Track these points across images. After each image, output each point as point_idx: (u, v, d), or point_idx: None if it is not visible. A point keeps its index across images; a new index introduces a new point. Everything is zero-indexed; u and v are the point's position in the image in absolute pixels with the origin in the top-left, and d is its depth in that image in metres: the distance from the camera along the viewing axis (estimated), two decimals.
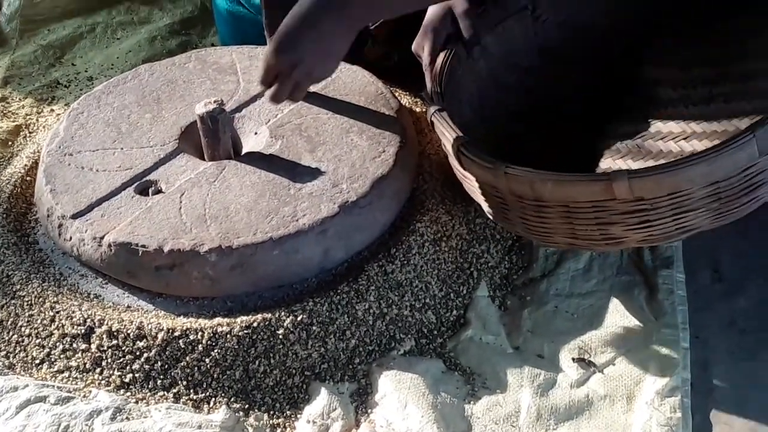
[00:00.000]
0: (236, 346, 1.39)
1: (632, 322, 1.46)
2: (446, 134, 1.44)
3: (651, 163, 1.55)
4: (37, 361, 1.45)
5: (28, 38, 2.39)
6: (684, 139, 1.57)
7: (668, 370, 1.37)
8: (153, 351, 1.40)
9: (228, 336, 1.40)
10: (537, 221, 1.38)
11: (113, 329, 1.42)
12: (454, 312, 1.52)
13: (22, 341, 1.48)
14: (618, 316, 1.47)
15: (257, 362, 1.40)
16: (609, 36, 1.73)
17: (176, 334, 1.40)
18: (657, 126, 1.63)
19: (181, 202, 1.52)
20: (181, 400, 1.39)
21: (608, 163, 1.62)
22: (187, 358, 1.40)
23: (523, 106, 1.73)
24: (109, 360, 1.42)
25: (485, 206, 1.48)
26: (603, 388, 1.37)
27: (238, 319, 1.42)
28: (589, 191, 1.29)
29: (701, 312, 1.50)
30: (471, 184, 1.47)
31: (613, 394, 1.36)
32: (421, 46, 1.64)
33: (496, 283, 1.57)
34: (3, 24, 2.42)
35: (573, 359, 1.42)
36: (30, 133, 1.99)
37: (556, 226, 1.37)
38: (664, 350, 1.40)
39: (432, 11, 1.65)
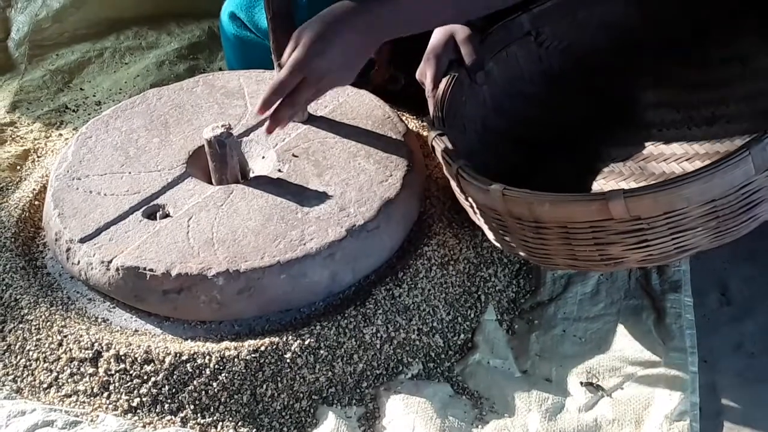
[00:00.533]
0: (244, 370, 1.39)
1: (640, 346, 1.45)
2: (446, 158, 1.45)
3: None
4: (45, 385, 1.45)
5: (37, 63, 2.40)
6: (686, 160, 1.58)
7: (677, 393, 1.36)
8: (160, 375, 1.40)
9: (236, 360, 1.39)
10: (537, 244, 1.39)
11: (121, 353, 1.42)
12: (462, 336, 1.52)
13: (30, 365, 1.48)
14: (626, 340, 1.47)
15: (265, 386, 1.39)
16: (610, 60, 1.74)
17: (184, 357, 1.40)
18: (659, 148, 1.64)
19: (188, 226, 1.53)
20: (189, 424, 1.39)
21: (611, 185, 1.62)
22: (195, 382, 1.39)
23: (526, 131, 1.73)
24: (117, 384, 1.42)
25: (487, 230, 1.48)
26: (611, 413, 1.36)
27: (246, 343, 1.41)
28: (586, 211, 1.29)
29: (709, 336, 1.49)
30: (473, 209, 1.47)
31: (621, 418, 1.36)
32: (424, 72, 1.65)
33: (504, 306, 1.57)
34: (12, 49, 2.44)
35: (581, 383, 1.41)
36: (38, 157, 2.00)
37: (556, 248, 1.37)
38: (673, 374, 1.39)
39: (435, 38, 1.66)
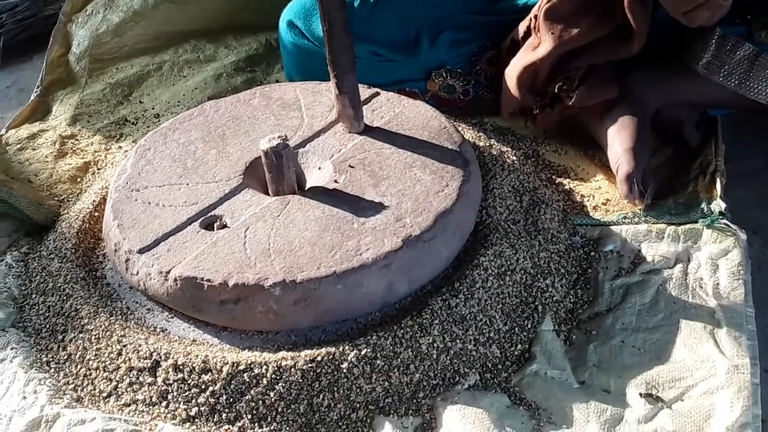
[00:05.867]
0: (300, 380, 1.39)
1: (700, 356, 1.43)
2: None
3: None
4: (105, 395, 1.47)
5: (97, 77, 2.44)
6: None
7: (738, 405, 1.34)
8: (218, 384, 1.41)
9: (292, 370, 1.40)
10: None
11: (179, 363, 1.43)
12: (519, 346, 1.51)
13: (90, 374, 1.49)
14: (686, 351, 1.45)
15: (321, 396, 1.39)
16: None
17: (241, 367, 1.41)
18: None
19: (245, 236, 1.54)
20: None
21: None
22: (252, 392, 1.40)
23: None
24: (175, 393, 1.43)
25: None
26: (671, 424, 1.35)
27: (302, 353, 1.42)
28: None
29: None
30: None
31: (681, 430, 1.33)
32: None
33: (561, 317, 1.56)
34: (73, 63, 2.47)
35: (640, 394, 1.40)
36: (98, 169, 2.03)
37: None
38: (734, 385, 1.37)
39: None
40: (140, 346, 1.47)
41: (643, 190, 1.70)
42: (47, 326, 1.60)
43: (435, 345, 1.44)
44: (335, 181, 1.63)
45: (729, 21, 1.69)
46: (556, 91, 1.87)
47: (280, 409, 1.39)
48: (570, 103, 1.86)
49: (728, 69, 1.68)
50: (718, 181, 1.72)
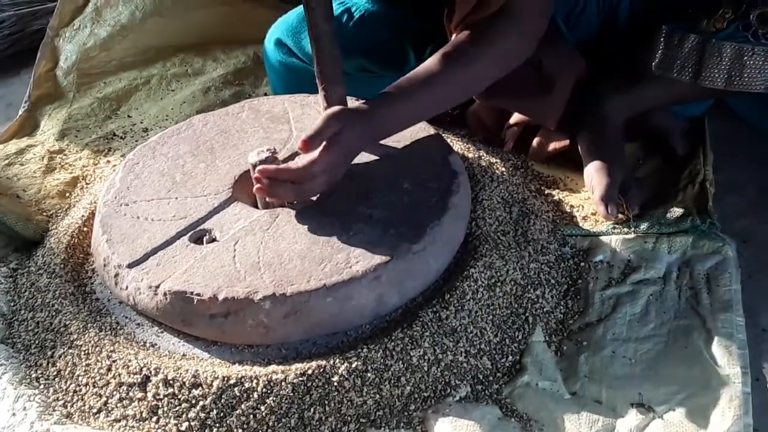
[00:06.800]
0: (291, 394, 1.39)
1: (692, 366, 1.43)
2: None
3: None
4: (95, 410, 1.46)
5: (85, 91, 2.44)
6: None
7: (730, 414, 1.34)
8: (209, 399, 1.40)
9: (283, 383, 1.39)
10: None
11: (169, 377, 1.43)
12: (510, 358, 1.50)
13: (80, 390, 1.49)
14: (677, 361, 1.45)
15: (312, 409, 1.39)
16: None
17: (231, 381, 1.40)
18: None
19: (235, 250, 1.53)
20: None
21: None
22: (243, 406, 1.39)
23: None
24: (166, 408, 1.42)
25: None
26: None
27: (293, 367, 1.41)
28: None
29: (762, 355, 1.47)
30: None
31: None
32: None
33: (552, 328, 1.56)
34: (60, 78, 2.47)
35: (632, 405, 1.40)
36: (87, 184, 2.03)
37: None
38: (725, 395, 1.37)
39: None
40: (130, 361, 1.46)
41: (623, 202, 1.71)
42: (36, 342, 1.59)
43: (426, 357, 1.44)
44: (324, 194, 1.63)
45: (674, 20, 1.72)
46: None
47: (271, 423, 1.39)
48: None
49: (680, 63, 1.70)
50: (707, 190, 1.72)
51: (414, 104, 1.60)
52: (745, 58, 1.64)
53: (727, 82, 1.67)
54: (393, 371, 1.42)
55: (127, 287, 1.55)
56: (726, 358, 1.43)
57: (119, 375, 1.46)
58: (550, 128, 1.88)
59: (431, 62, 1.62)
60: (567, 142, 1.90)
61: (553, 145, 1.92)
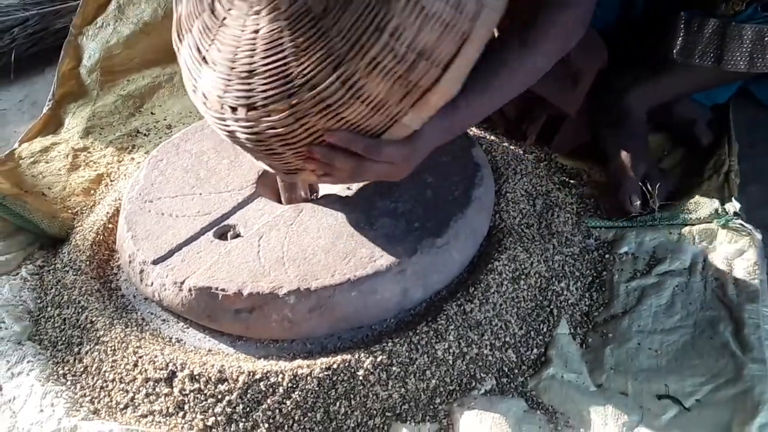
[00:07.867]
0: (317, 388, 1.39)
1: (718, 358, 1.43)
2: None
3: None
4: (121, 406, 1.47)
5: (108, 89, 2.44)
6: None
7: (757, 406, 1.33)
8: (234, 394, 1.41)
9: (308, 378, 1.40)
10: None
11: (195, 373, 1.43)
12: (535, 350, 1.50)
13: (107, 386, 1.50)
14: (703, 352, 1.44)
15: (338, 404, 1.39)
16: None
17: (257, 376, 1.41)
18: None
19: (259, 245, 1.54)
20: None
21: None
22: (269, 401, 1.40)
23: None
24: (192, 404, 1.43)
25: None
26: (690, 426, 1.34)
27: (318, 361, 1.42)
28: None
29: None
30: None
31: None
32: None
33: (577, 320, 1.55)
34: (84, 76, 2.48)
35: (658, 397, 1.39)
36: (111, 181, 2.03)
37: None
38: (753, 386, 1.36)
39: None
40: (156, 356, 1.47)
41: (648, 193, 1.69)
42: (63, 339, 1.60)
43: (451, 350, 1.44)
44: (348, 188, 1.63)
45: (692, 5, 1.72)
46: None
47: (296, 418, 1.39)
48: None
49: (701, 49, 1.69)
50: (732, 180, 1.72)
51: (491, 94, 1.57)
52: (766, 38, 1.63)
53: (749, 65, 1.66)
54: (418, 365, 1.42)
55: (152, 283, 1.55)
56: (753, 349, 1.42)
57: (145, 371, 1.47)
58: (570, 115, 1.87)
59: (498, 49, 1.59)
60: (589, 135, 1.89)
61: (575, 138, 1.91)
